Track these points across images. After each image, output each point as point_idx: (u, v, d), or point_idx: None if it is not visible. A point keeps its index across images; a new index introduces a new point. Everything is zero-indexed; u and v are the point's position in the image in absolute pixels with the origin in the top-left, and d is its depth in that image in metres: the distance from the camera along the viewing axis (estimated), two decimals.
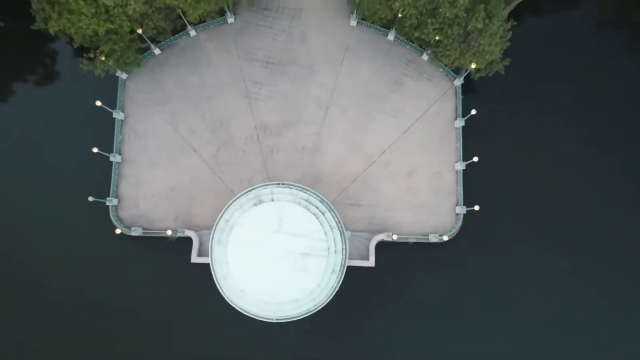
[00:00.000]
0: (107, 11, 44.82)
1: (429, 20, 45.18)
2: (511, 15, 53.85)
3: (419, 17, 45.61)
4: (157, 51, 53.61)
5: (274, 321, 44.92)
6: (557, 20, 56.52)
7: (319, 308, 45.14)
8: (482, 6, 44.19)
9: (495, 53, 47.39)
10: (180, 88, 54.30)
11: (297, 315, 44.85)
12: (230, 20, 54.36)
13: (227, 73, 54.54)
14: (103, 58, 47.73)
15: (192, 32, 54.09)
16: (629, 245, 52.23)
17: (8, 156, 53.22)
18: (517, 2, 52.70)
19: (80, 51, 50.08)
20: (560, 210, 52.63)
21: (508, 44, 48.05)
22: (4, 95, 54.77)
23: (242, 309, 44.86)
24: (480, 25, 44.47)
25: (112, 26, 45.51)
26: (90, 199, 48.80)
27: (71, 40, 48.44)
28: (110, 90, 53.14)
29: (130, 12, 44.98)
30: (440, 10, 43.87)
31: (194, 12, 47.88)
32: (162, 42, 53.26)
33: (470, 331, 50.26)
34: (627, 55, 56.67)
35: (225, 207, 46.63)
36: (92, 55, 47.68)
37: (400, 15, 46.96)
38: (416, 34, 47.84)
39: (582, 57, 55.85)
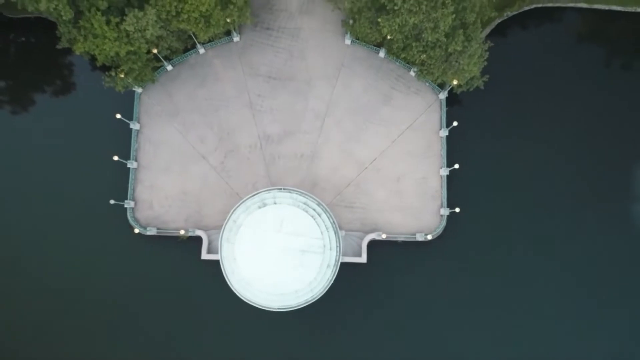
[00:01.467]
0: (127, 35, 50.99)
1: (413, 44, 51.37)
2: (491, 35, 60.35)
3: (405, 40, 51.80)
4: (169, 67, 59.77)
5: (276, 310, 51.15)
6: (533, 39, 62.84)
7: (316, 299, 51.44)
8: (461, 31, 50.40)
9: (474, 71, 53.55)
10: (190, 101, 60.49)
11: (296, 304, 51.24)
12: (236, 39, 60.53)
13: (233, 87, 60.75)
14: (123, 75, 53.85)
15: (201, 50, 60.24)
16: (593, 238, 58.42)
17: (36, 162, 59.41)
18: (494, 24, 59.14)
19: (100, 67, 56.43)
20: (534, 211, 58.90)
21: (485, 63, 54.14)
22: (30, 107, 61.30)
23: (249, 300, 51.16)
24: (459, 48, 50.66)
25: (131, 48, 51.75)
26: (112, 202, 55.16)
27: (93, 58, 54.66)
28: (127, 103, 59.30)
29: (149, 36, 51.20)
30: (424, 35, 50.07)
31: (204, 35, 54.06)
32: (174, 59, 59.44)
33: (453, 319, 56.67)
34: (598, 70, 62.75)
35: (233, 209, 52.86)
36: (113, 74, 53.77)
37: (388, 38, 53.01)
38: (402, 55, 54.04)
39: (556, 73, 62.18)
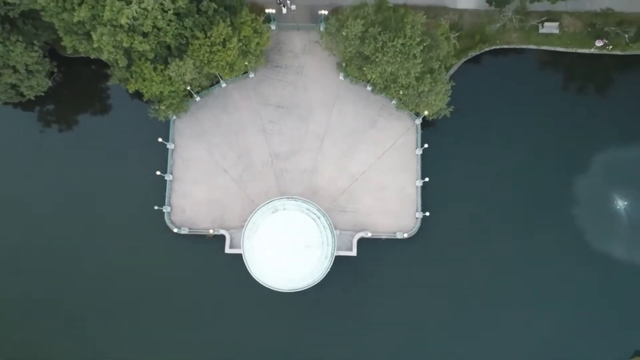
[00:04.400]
0: (170, 79, 67.17)
1: (392, 85, 67.67)
2: (458, 71, 76.58)
3: (384, 82, 68.01)
4: (198, 99, 75.72)
5: (285, 291, 67.69)
6: (492, 74, 78.73)
7: (316, 283, 68.01)
8: (428, 75, 66.67)
9: (440, 105, 69.79)
10: (214, 125, 76.55)
11: (301, 287, 67.98)
12: (251, 75, 76.56)
13: (249, 114, 76.78)
14: (164, 108, 70.03)
15: (223, 84, 76.25)
16: (541, 237, 74.66)
17: (93, 176, 75.35)
18: (461, 63, 75.39)
19: (134, 96, 72.27)
20: (491, 215, 75.05)
21: (449, 98, 70.28)
22: (88, 132, 77.09)
23: (264, 284, 67.78)
24: (427, 88, 66.93)
25: (172, 88, 67.93)
26: (155, 207, 71.66)
27: (138, 93, 70.70)
28: (164, 128, 75.30)
29: (186, 79, 67.31)
30: (399, 79, 66.30)
31: (228, 76, 70.35)
32: (202, 93, 75.42)
33: (425, 299, 73.09)
34: (546, 97, 78.56)
35: (252, 214, 69.34)
36: (157, 107, 69.98)
37: (373, 80, 69.27)
38: (384, 92, 70.22)
39: (511, 102, 77.77)
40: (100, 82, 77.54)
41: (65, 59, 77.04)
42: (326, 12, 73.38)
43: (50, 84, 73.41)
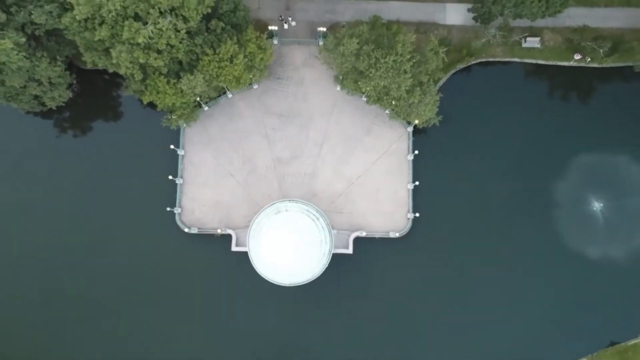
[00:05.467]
0: (182, 91, 74.04)
1: (384, 97, 74.54)
2: (446, 82, 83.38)
3: (378, 95, 74.87)
4: (206, 108, 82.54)
5: (287, 285, 74.67)
6: (479, 85, 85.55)
7: (316, 277, 75.03)
8: (418, 88, 73.58)
9: (429, 115, 76.64)
10: (221, 132, 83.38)
11: (302, 281, 75.01)
12: (255, 86, 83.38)
13: (253, 122, 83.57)
14: (176, 117, 76.89)
15: (230, 95, 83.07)
16: (523, 236, 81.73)
17: (109, 180, 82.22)
18: (446, 78, 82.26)
19: (148, 106, 78.90)
20: (477, 215, 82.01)
21: (437, 109, 77.14)
22: (105, 140, 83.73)
23: (268, 278, 74.80)
24: (417, 100, 73.83)
25: (184, 100, 74.82)
26: (168, 209, 78.58)
27: (152, 103, 77.47)
28: (174, 135, 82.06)
29: (197, 92, 74.20)
30: (391, 92, 73.18)
31: (234, 88, 77.24)
32: (210, 103, 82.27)
33: (415, 292, 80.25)
34: (530, 105, 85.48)
35: (257, 214, 76.33)
36: (169, 117, 76.87)
37: (367, 91, 76.12)
38: (378, 103, 77.10)
39: (496, 110, 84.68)
40: (115, 92, 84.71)
41: (82, 71, 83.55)
42: (324, 29, 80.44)
43: (70, 95, 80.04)
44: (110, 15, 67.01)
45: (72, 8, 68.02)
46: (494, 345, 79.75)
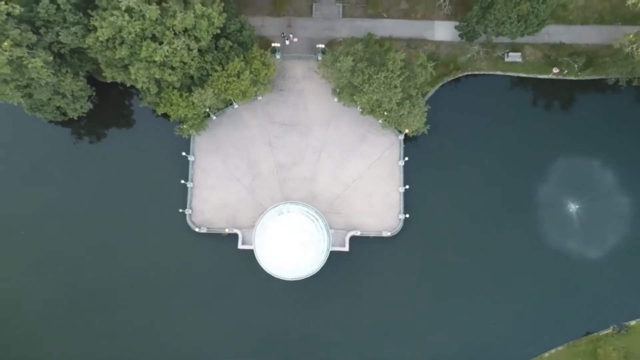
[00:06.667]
0: (193, 104, 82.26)
1: (377, 109, 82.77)
2: (435, 94, 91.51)
3: (371, 107, 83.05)
4: (214, 117, 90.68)
5: (289, 279, 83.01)
6: (465, 96, 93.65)
7: (315, 272, 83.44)
8: (407, 101, 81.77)
9: (418, 125, 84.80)
10: (228, 140, 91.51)
11: (302, 276, 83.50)
12: (259, 98, 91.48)
13: (257, 131, 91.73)
14: (187, 127, 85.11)
15: (235, 106, 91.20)
16: (507, 236, 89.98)
17: (123, 185, 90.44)
18: (434, 90, 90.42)
19: (162, 116, 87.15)
20: (463, 216, 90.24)
21: (426, 119, 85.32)
22: (122, 147, 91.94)
23: (272, 273, 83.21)
24: (406, 112, 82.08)
25: (195, 112, 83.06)
26: (180, 210, 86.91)
27: (165, 114, 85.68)
28: (185, 142, 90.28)
29: (207, 104, 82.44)
30: (383, 104, 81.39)
31: (240, 101, 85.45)
32: (217, 113, 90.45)
33: (404, 284, 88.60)
34: (513, 115, 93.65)
35: (261, 215, 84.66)
36: (182, 126, 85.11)
37: (362, 104, 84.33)
38: (371, 114, 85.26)
39: (482, 119, 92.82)
40: (131, 103, 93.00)
41: (100, 83, 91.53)
42: (323, 45, 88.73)
43: (91, 106, 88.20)
44: (129, 37, 75.21)
45: (96, 30, 76.12)
46: (477, 334, 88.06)
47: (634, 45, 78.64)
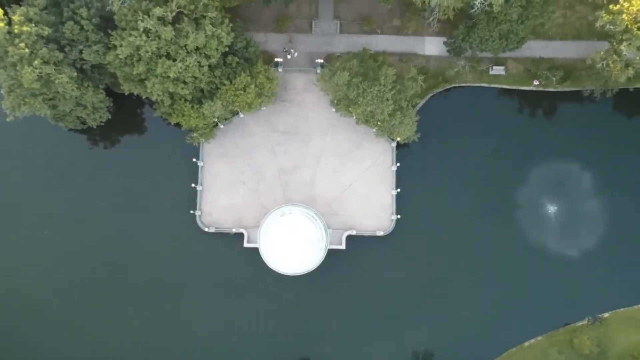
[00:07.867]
0: (203, 115, 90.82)
1: (371, 119, 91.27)
2: (424, 105, 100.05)
3: (365, 117, 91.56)
4: (221, 126, 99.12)
5: (290, 275, 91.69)
6: (453, 106, 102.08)
7: (314, 268, 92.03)
8: (398, 112, 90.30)
9: (409, 133, 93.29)
10: (234, 147, 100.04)
11: (303, 272, 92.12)
12: (263, 108, 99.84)
13: (261, 138, 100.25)
14: (197, 135, 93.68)
15: (241, 115, 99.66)
16: (494, 236, 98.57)
17: (137, 188, 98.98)
18: (424, 101, 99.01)
19: (175, 125, 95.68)
20: (452, 217, 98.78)
21: (416, 128, 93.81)
22: (133, 152, 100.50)
23: (275, 269, 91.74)
24: (398, 122, 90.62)
25: (205, 122, 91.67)
26: (191, 212, 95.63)
27: (177, 123, 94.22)
28: (194, 149, 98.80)
29: (216, 115, 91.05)
30: (376, 115, 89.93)
31: (246, 112, 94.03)
32: (225, 122, 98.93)
33: (396, 279, 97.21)
34: (500, 123, 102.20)
35: (265, 216, 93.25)
36: (193, 135, 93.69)
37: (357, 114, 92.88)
38: (366, 124, 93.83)
39: (469, 127, 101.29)
40: (145, 113, 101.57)
41: (117, 95, 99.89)
42: (322, 60, 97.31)
43: (109, 116, 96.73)
44: (146, 55, 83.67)
45: (115, 48, 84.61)
46: (462, 324, 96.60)
47: (604, 62, 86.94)
